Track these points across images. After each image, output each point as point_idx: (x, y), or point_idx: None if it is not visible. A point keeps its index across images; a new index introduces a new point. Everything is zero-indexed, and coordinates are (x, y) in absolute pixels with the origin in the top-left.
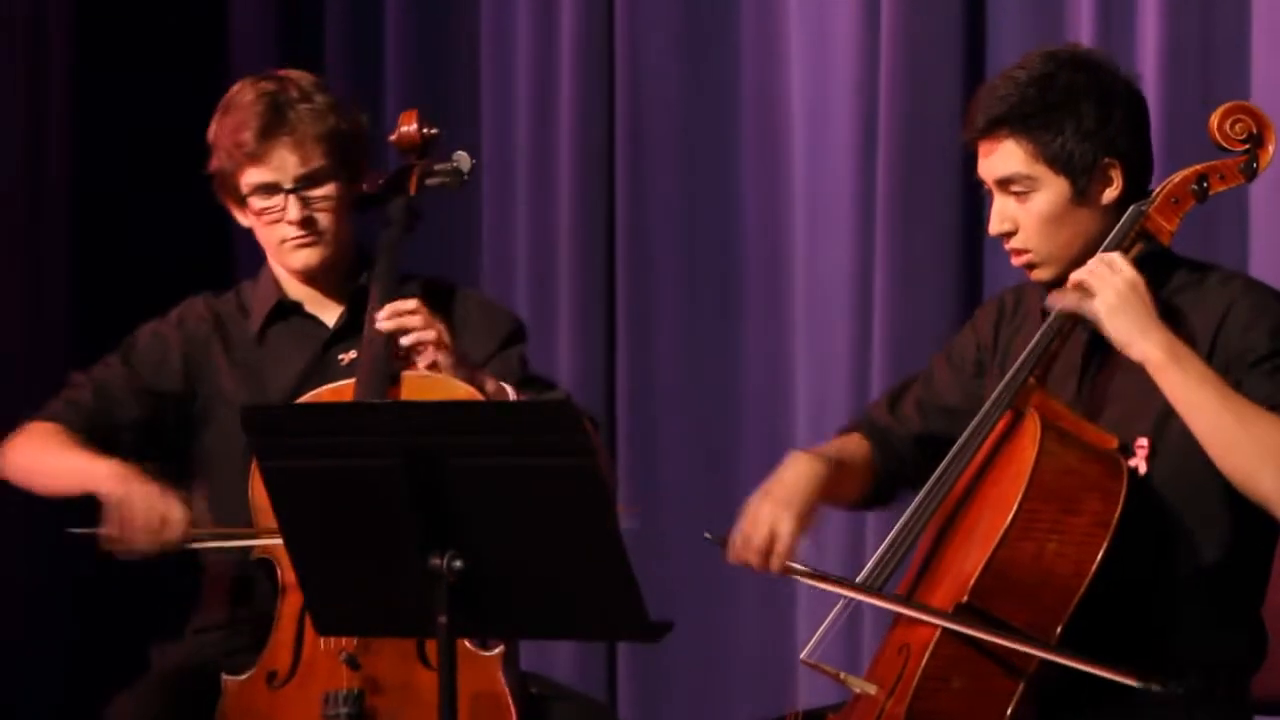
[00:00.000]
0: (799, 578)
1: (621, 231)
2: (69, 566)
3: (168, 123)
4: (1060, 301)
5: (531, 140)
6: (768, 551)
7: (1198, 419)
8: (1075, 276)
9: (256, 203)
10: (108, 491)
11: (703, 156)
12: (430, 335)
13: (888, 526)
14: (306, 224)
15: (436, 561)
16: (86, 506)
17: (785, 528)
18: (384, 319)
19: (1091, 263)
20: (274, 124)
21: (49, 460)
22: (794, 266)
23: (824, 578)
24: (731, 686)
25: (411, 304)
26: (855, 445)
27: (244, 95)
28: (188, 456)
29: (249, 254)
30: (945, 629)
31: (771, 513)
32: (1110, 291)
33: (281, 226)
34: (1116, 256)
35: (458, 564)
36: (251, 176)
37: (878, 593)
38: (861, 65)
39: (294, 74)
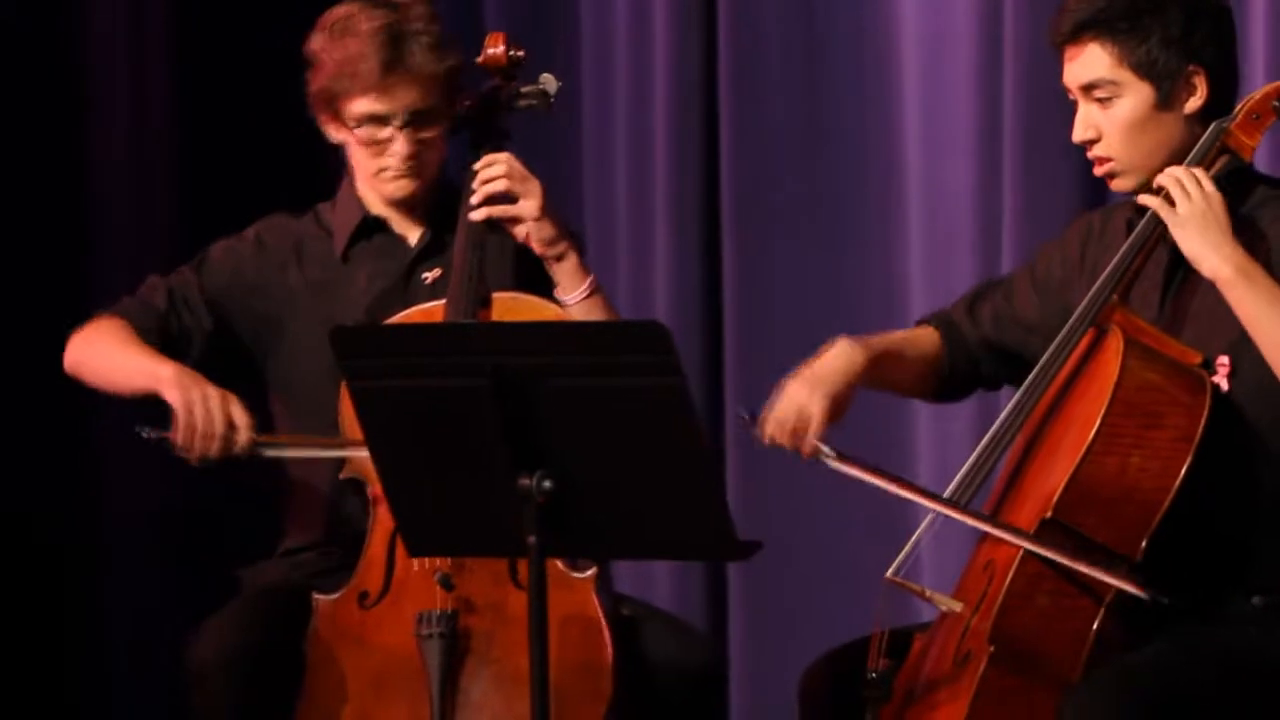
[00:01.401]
0: (829, 461)
1: (726, 155)
2: (158, 489)
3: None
4: (1143, 200)
5: (630, 57)
6: (797, 431)
7: (1264, 336)
8: (1160, 179)
9: (364, 132)
10: (173, 395)
11: (812, 76)
12: (523, 195)
13: (955, 446)
14: (411, 159)
15: (526, 482)
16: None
17: (816, 408)
18: (475, 200)
19: (1177, 170)
20: (395, 59)
21: (113, 355)
22: (909, 190)
23: (858, 464)
24: (834, 605)
25: (501, 167)
26: (925, 337)
27: (360, 21)
28: (263, 372)
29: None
30: (1027, 551)
31: (803, 393)
32: (1188, 205)
33: (385, 158)
34: (1199, 172)
35: (547, 484)
36: (363, 105)
37: (932, 493)
38: None
39: (407, 1)
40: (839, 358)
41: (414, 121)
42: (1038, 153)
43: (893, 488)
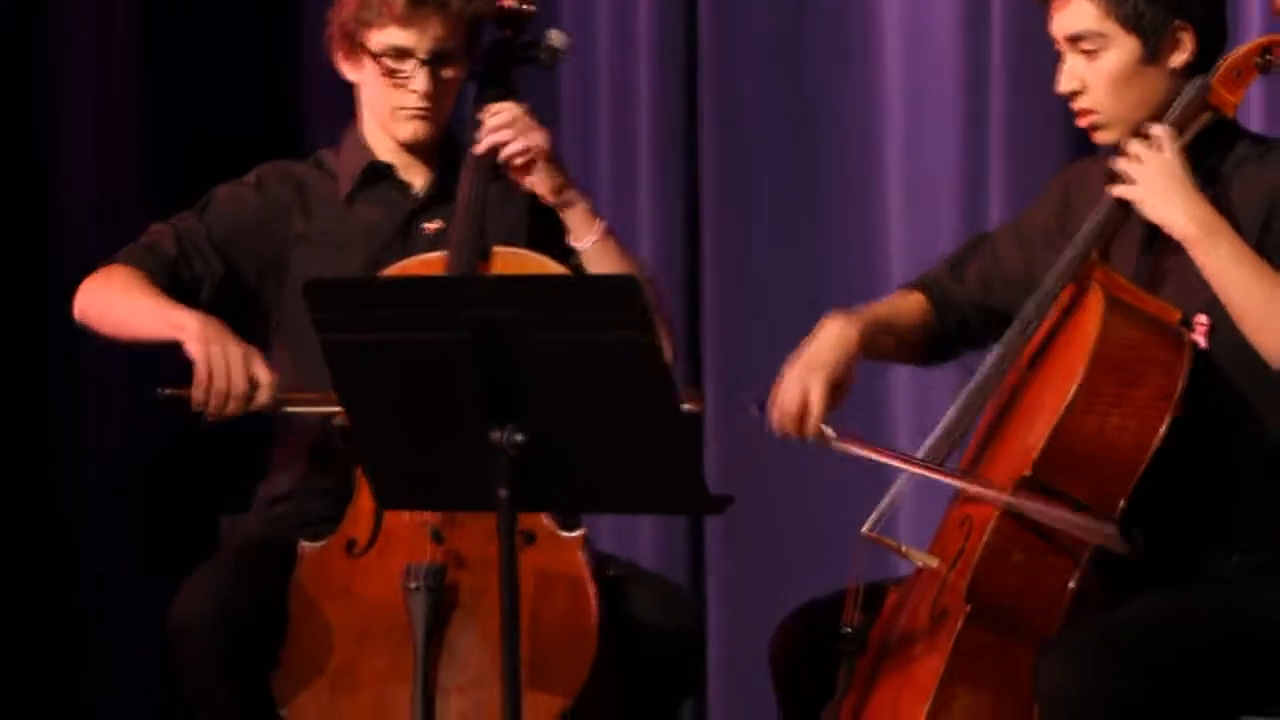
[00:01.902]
0: (833, 444)
1: (706, 118)
2: (135, 437)
3: None
4: (1113, 190)
5: (611, 26)
6: (801, 417)
7: (1229, 294)
8: (1118, 164)
9: (387, 63)
10: (195, 348)
11: (792, 42)
12: (520, 142)
13: (952, 398)
14: (429, 98)
15: (497, 435)
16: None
17: (816, 392)
18: (484, 132)
19: (1134, 144)
20: None
21: (132, 302)
22: (889, 159)
23: (862, 443)
24: (812, 561)
25: (508, 114)
26: (911, 302)
27: None
28: (267, 318)
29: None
30: (1004, 508)
31: (802, 378)
32: (1144, 173)
33: (403, 94)
34: (1160, 131)
35: (519, 437)
36: (390, 36)
37: (931, 464)
38: None
39: None
40: (832, 337)
41: (437, 59)
42: (1023, 124)
43: (896, 463)
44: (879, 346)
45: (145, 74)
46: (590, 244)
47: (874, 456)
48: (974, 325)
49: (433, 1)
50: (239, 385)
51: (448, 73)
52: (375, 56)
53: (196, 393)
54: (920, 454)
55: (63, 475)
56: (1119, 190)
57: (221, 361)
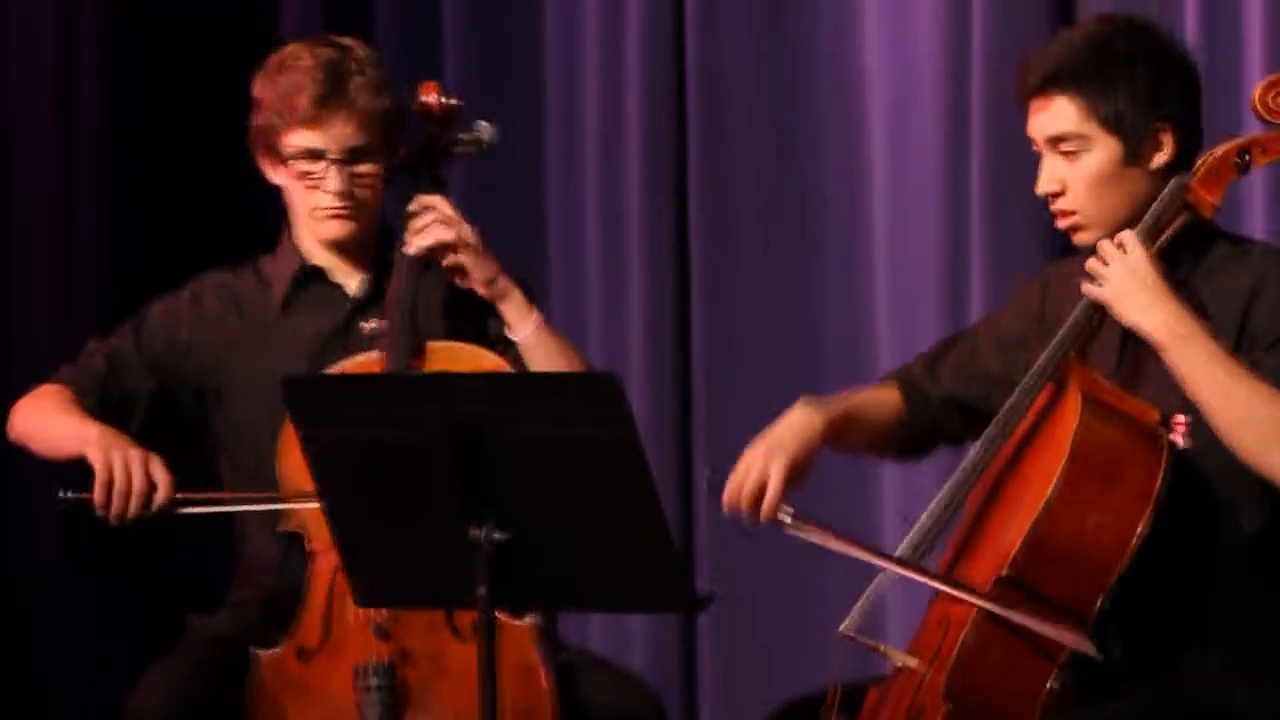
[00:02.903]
0: (787, 528)
1: (695, 190)
2: (109, 535)
3: (208, 85)
4: (1084, 287)
5: (600, 100)
6: (758, 498)
7: (1202, 396)
8: (1089, 265)
9: (298, 165)
10: (93, 455)
11: (777, 112)
12: (449, 235)
13: (922, 500)
14: (345, 196)
15: (476, 532)
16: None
17: (775, 474)
18: (410, 234)
19: (1103, 245)
20: (334, 93)
21: (47, 422)
22: (875, 230)
23: (817, 527)
24: (800, 658)
25: (431, 210)
26: (886, 396)
27: (303, 58)
28: (207, 432)
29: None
30: (981, 609)
31: (762, 459)
32: (1112, 275)
33: (318, 194)
34: (1127, 236)
35: (497, 535)
36: (299, 139)
37: (885, 555)
38: (950, 22)
39: (351, 42)
40: (798, 422)
41: (349, 158)
42: (1003, 192)
43: (851, 550)
44: (846, 439)
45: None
46: (527, 335)
47: (829, 544)
48: (948, 424)
49: (338, 100)
50: (138, 485)
51: (363, 169)
52: (286, 160)
53: (98, 495)
54: (899, 551)
55: (22, 566)
56: (1090, 290)
57: (121, 464)
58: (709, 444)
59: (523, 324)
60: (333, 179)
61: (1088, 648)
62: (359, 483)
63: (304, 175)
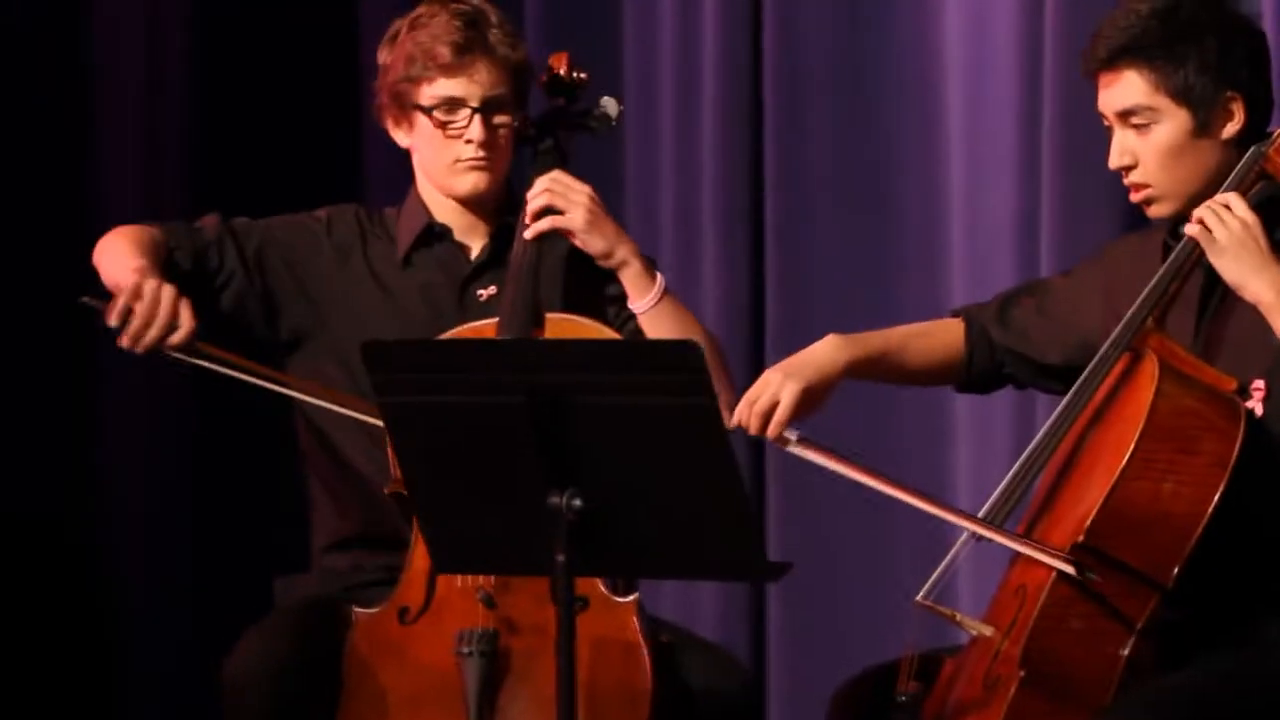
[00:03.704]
0: (794, 449)
1: (770, 172)
2: (189, 498)
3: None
4: (1186, 230)
5: (675, 79)
6: (767, 416)
7: None
8: (1196, 213)
9: (440, 115)
10: (135, 279)
11: (855, 95)
12: (570, 210)
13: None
14: (485, 146)
15: (556, 500)
16: None
17: (787, 396)
18: (528, 219)
19: (1211, 202)
20: (474, 41)
21: (116, 248)
22: (952, 207)
23: (825, 451)
24: (872, 628)
25: (548, 182)
26: (946, 329)
27: (438, 15)
28: (294, 346)
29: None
30: (1059, 576)
31: (778, 380)
32: (1225, 231)
33: (459, 145)
34: (1233, 197)
35: (577, 502)
36: (440, 88)
37: (910, 488)
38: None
39: (480, 1)
40: (821, 353)
41: (488, 107)
42: (1077, 161)
43: (865, 478)
44: (879, 370)
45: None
46: (648, 305)
47: (839, 468)
48: (1009, 367)
49: (480, 49)
50: (163, 316)
51: (500, 120)
52: (428, 111)
53: (117, 309)
54: (980, 514)
55: (113, 535)
56: (1200, 233)
57: (152, 290)
58: None
59: (642, 295)
60: (475, 128)
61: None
62: (438, 449)
63: (444, 125)
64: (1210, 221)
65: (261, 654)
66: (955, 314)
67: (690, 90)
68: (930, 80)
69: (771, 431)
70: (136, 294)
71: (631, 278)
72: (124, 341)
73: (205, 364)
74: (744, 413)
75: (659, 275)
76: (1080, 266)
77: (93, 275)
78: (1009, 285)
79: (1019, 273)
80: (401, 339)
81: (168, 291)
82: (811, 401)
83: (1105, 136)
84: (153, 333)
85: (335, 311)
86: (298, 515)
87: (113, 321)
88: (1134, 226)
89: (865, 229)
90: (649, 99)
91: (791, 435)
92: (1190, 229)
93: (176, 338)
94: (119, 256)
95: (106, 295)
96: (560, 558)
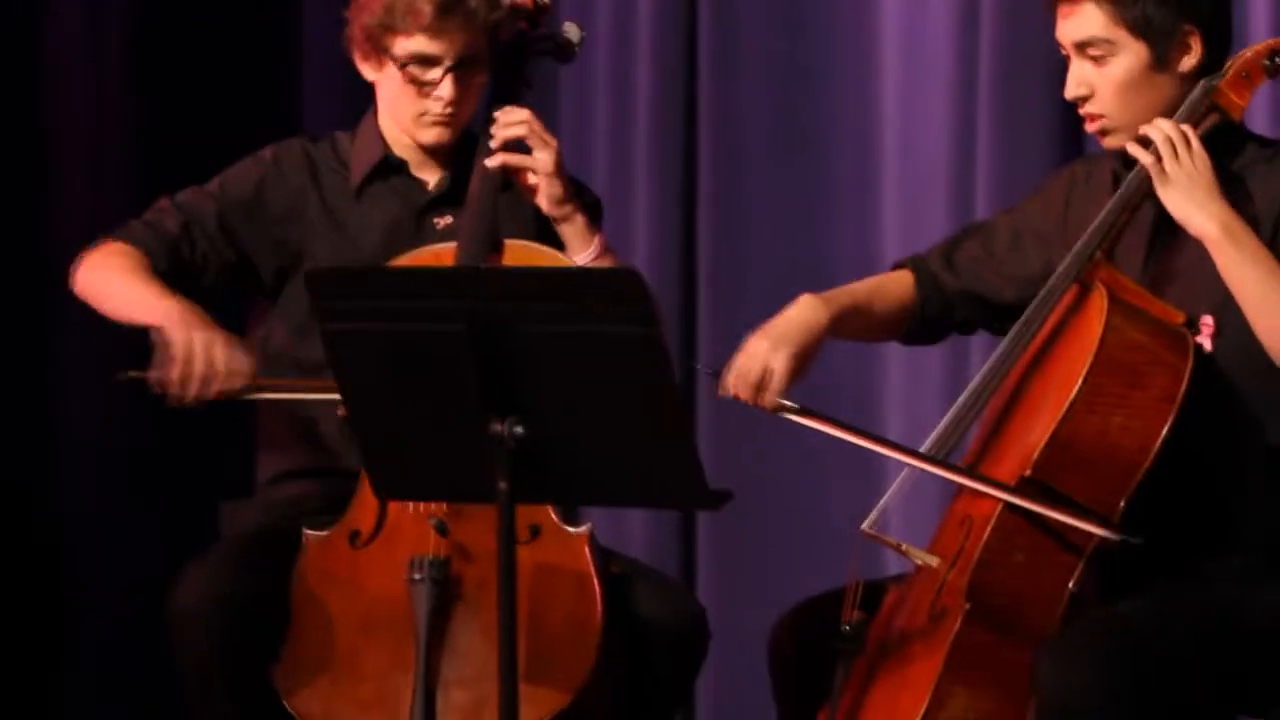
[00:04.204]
0: (790, 415)
1: (704, 111)
2: (129, 426)
3: None
4: (1132, 150)
5: (611, 23)
6: (760, 386)
7: (1246, 295)
8: (1146, 129)
9: (412, 70)
10: (166, 333)
11: (790, 35)
12: (538, 157)
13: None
14: (453, 104)
15: (498, 427)
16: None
17: (779, 364)
18: (494, 144)
19: (1165, 124)
20: (455, 1)
21: (117, 285)
22: (885, 147)
23: (820, 417)
24: (811, 558)
25: (522, 121)
26: (897, 282)
27: None
28: (274, 295)
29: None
30: (1004, 507)
31: (767, 348)
32: (1175, 166)
33: (429, 101)
34: (1188, 129)
35: (519, 430)
36: (417, 45)
37: (886, 441)
38: None
39: None
40: (802, 314)
41: (462, 65)
42: (1015, 94)
43: (858, 440)
44: (851, 329)
45: (140, 60)
46: (587, 260)
47: (837, 433)
48: (959, 312)
49: (460, 11)
50: (206, 368)
51: (473, 77)
52: (401, 65)
53: (172, 375)
54: (923, 449)
55: (57, 461)
56: (1150, 162)
57: (193, 345)
58: (713, 352)
59: (581, 250)
60: (446, 86)
61: (1114, 533)
62: (380, 376)
63: (416, 81)
64: (1162, 149)
65: (206, 583)
66: (899, 265)
67: (625, 33)
68: (865, 19)
69: (767, 400)
70: (188, 357)
71: (576, 231)
72: (171, 402)
73: (263, 396)
74: (736, 385)
75: (599, 233)
76: (1024, 202)
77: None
78: (944, 225)
79: (954, 212)
80: (341, 265)
81: (218, 344)
82: (803, 366)
83: (1041, 71)
84: (215, 387)
85: (305, 248)
86: (248, 441)
87: (171, 388)
88: (1070, 155)
89: (799, 171)
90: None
91: (790, 404)
92: (1138, 153)
93: (235, 386)
94: (129, 296)
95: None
96: (502, 485)
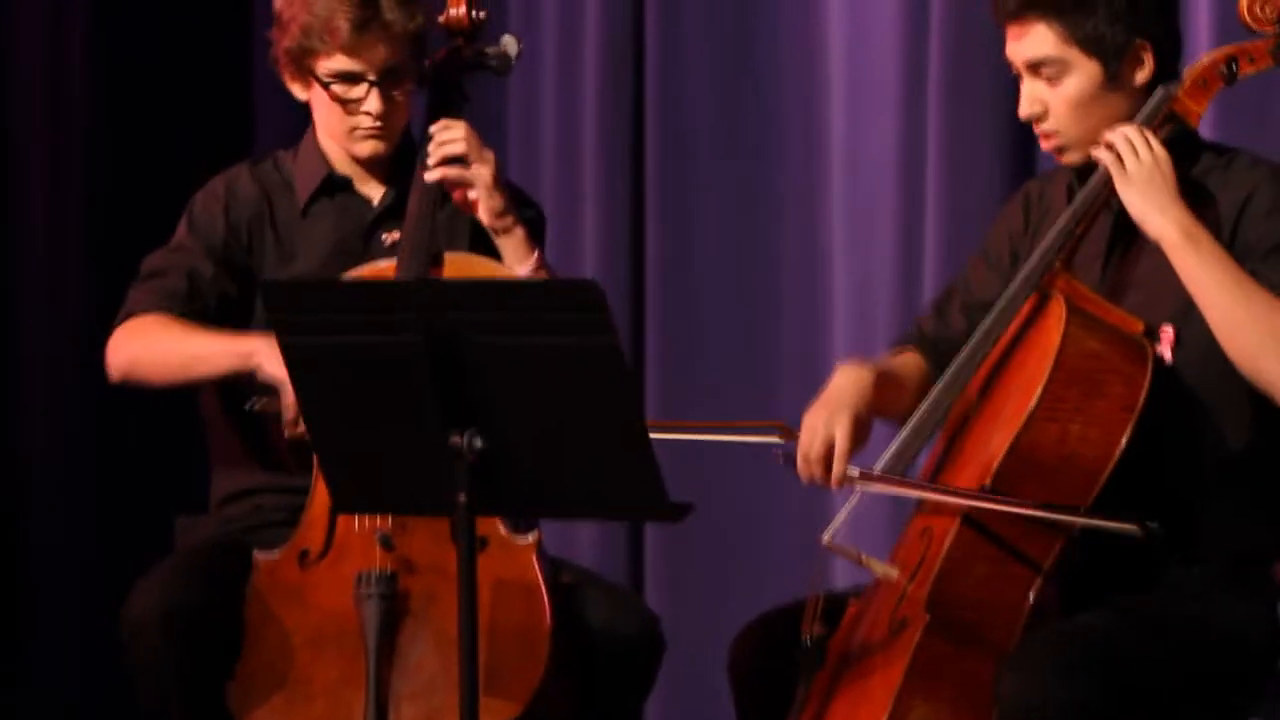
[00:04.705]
0: (861, 485)
1: (651, 115)
2: (87, 440)
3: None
4: (1094, 153)
5: (559, 19)
6: (827, 458)
7: (1207, 299)
8: (1108, 136)
9: (336, 90)
10: (273, 370)
11: (737, 32)
12: (475, 170)
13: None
14: (382, 117)
15: (457, 439)
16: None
17: (840, 431)
18: (432, 161)
19: (1128, 129)
20: (370, 16)
21: (183, 347)
22: (832, 144)
23: (891, 480)
24: (763, 571)
25: (458, 137)
26: (907, 359)
27: None
28: (248, 318)
29: (269, 134)
30: (966, 511)
31: (825, 419)
32: (1135, 162)
33: (358, 116)
34: (1150, 132)
35: (478, 442)
36: (337, 63)
37: (952, 490)
38: None
39: None
40: (850, 379)
41: (386, 79)
42: (962, 106)
43: (927, 495)
44: (885, 394)
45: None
46: (525, 273)
47: (901, 491)
48: None
49: (377, 25)
50: None
51: (399, 88)
52: (325, 84)
53: (290, 412)
54: (880, 464)
55: (13, 473)
56: (1111, 161)
57: None
58: (659, 371)
59: (519, 263)
60: (373, 101)
61: (1082, 519)
62: (338, 389)
63: (341, 98)
64: (1123, 149)
65: (159, 595)
66: (898, 345)
67: (573, 31)
68: (812, 26)
69: (836, 472)
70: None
71: (514, 244)
72: (291, 433)
73: None
74: (806, 467)
75: (538, 247)
76: (986, 236)
77: None
78: (889, 226)
79: (901, 212)
80: (298, 279)
81: None
82: (863, 429)
83: (990, 80)
84: None
85: (261, 273)
86: (203, 456)
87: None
88: (1018, 163)
89: (745, 168)
90: (532, 40)
91: (854, 472)
92: (1100, 154)
93: None
94: (197, 351)
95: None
96: (462, 498)
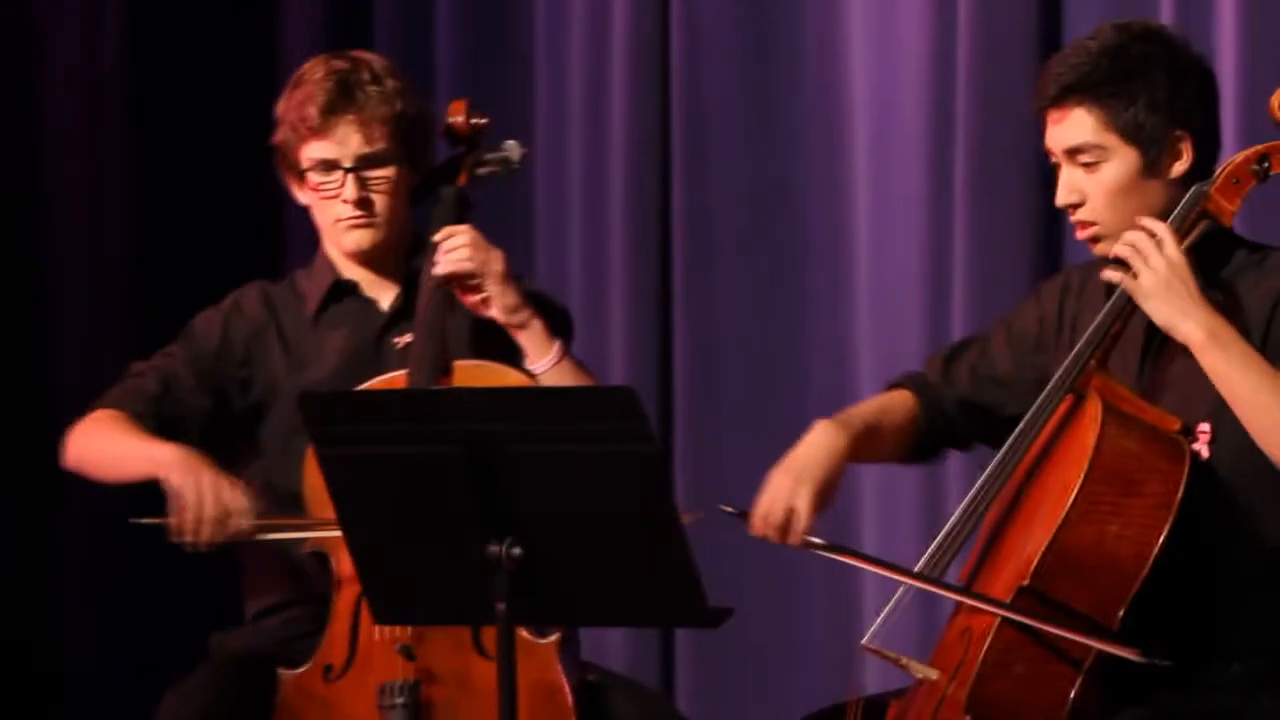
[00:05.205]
0: (818, 551)
1: (678, 217)
2: (132, 556)
3: (219, 113)
4: (1106, 275)
5: (585, 127)
6: (786, 527)
7: (1237, 398)
8: (1117, 250)
9: (314, 178)
10: (173, 480)
11: (762, 140)
12: (470, 265)
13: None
14: (362, 204)
15: (495, 549)
16: (151, 493)
17: (803, 503)
18: (440, 256)
19: (1134, 236)
20: (341, 101)
21: (112, 446)
22: (858, 251)
23: (846, 552)
24: (793, 673)
25: (462, 241)
26: (899, 401)
27: (315, 71)
28: (247, 445)
29: (302, 243)
30: (1003, 621)
31: (790, 488)
32: (1149, 274)
33: (336, 205)
34: (1164, 231)
35: (516, 551)
36: (313, 151)
37: (924, 577)
38: (933, 41)
39: (368, 55)
40: (822, 444)
41: (362, 165)
42: (988, 206)
43: (882, 571)
44: (865, 451)
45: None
46: (547, 367)
47: (866, 567)
48: (961, 426)
49: (344, 107)
50: (218, 511)
51: (378, 173)
52: (301, 175)
53: (183, 521)
54: (920, 565)
55: (58, 586)
56: (1124, 279)
57: (201, 489)
58: (689, 457)
59: (541, 356)
60: (348, 187)
61: (1113, 647)
62: (376, 499)
63: (320, 187)
64: (1136, 265)
65: (190, 704)
66: (896, 384)
67: (600, 133)
68: (836, 119)
69: (794, 542)
70: (199, 501)
71: (532, 339)
72: (186, 547)
73: (270, 536)
74: (761, 526)
75: (558, 339)
76: (1018, 309)
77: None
78: (917, 324)
79: (928, 308)
80: (337, 390)
81: (223, 485)
82: (826, 499)
83: (1016, 174)
84: (218, 531)
85: (268, 389)
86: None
87: (184, 535)
88: (1046, 260)
89: (773, 267)
90: (558, 142)
91: (818, 541)
92: (1113, 276)
93: (241, 526)
94: (127, 451)
95: (149, 509)
96: (501, 607)
